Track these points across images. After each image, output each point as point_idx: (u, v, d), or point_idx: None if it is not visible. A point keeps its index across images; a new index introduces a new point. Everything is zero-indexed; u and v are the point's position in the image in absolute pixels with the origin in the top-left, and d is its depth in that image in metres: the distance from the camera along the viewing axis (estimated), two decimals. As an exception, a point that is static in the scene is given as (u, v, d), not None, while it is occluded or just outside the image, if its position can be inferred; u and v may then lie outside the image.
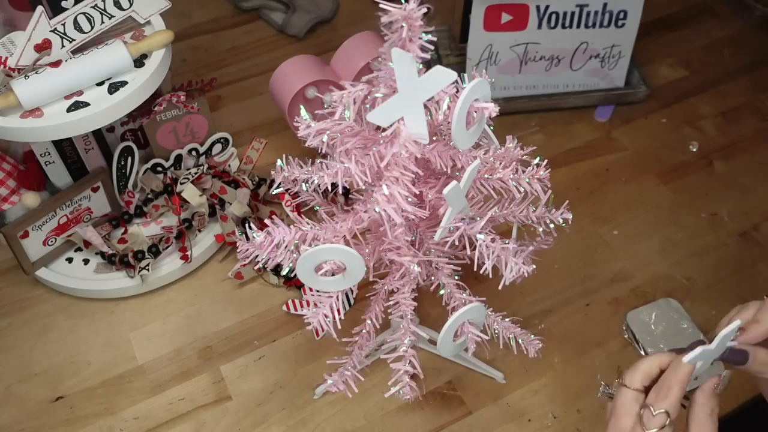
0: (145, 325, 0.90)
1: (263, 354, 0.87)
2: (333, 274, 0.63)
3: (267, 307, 0.91)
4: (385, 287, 0.72)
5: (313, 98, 0.97)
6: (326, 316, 0.65)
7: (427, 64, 0.56)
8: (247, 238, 0.66)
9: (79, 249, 0.94)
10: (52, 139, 0.83)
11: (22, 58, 0.82)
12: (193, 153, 1.01)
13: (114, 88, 0.83)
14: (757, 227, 0.98)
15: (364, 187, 0.62)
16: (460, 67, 1.04)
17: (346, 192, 0.94)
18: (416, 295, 0.70)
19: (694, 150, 1.08)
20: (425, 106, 0.57)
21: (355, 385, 0.73)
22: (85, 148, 0.92)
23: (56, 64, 0.81)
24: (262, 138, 1.08)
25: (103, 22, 0.85)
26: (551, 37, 1.04)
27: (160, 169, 0.99)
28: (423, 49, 0.55)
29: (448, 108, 0.57)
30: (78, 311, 0.91)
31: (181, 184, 0.96)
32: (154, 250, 0.91)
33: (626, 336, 0.87)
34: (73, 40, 0.84)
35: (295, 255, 0.64)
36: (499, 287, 0.63)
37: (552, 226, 0.70)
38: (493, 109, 0.57)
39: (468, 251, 0.63)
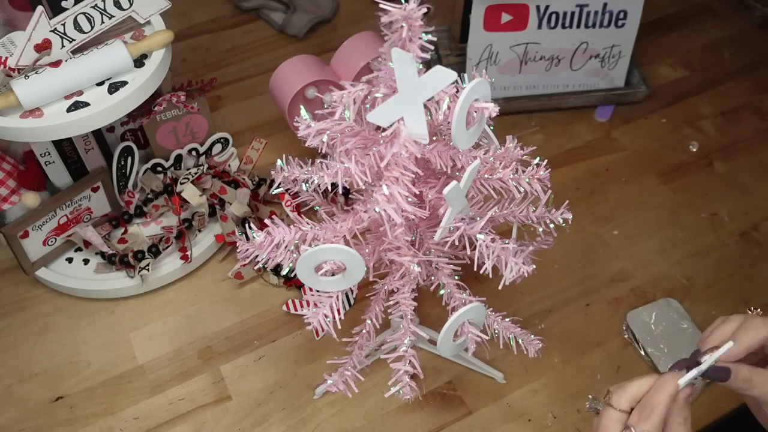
0: (145, 325, 0.90)
1: (263, 354, 0.87)
2: (333, 274, 0.63)
3: (267, 307, 0.91)
4: (385, 287, 0.72)
5: (313, 98, 0.97)
6: (326, 316, 0.65)
7: (427, 64, 0.56)
8: (247, 238, 0.66)
9: (79, 249, 0.94)
10: (52, 139, 0.83)
11: (22, 58, 0.82)
12: (193, 153, 1.01)
13: (114, 88, 0.83)
14: (757, 227, 0.98)
15: (364, 187, 0.62)
16: (460, 67, 1.04)
17: (346, 192, 0.94)
18: (416, 295, 0.70)
19: (694, 150, 1.08)
20: (425, 106, 0.57)
21: (355, 385, 0.73)
22: (85, 148, 0.92)
23: (56, 64, 0.81)
24: (262, 138, 1.08)
25: (103, 22, 0.85)
26: (551, 37, 1.04)
27: (160, 169, 0.99)
28: (423, 49, 0.55)
29: (448, 108, 0.57)
30: (78, 311, 0.91)
31: (181, 184, 0.96)
32: (154, 250, 0.91)
33: (626, 336, 0.87)
34: (73, 40, 0.84)
35: (295, 255, 0.64)
36: (499, 287, 0.63)
37: (552, 226, 0.70)
38: (493, 109, 0.57)
39: (468, 251, 0.63)
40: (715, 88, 1.16)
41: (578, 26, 1.03)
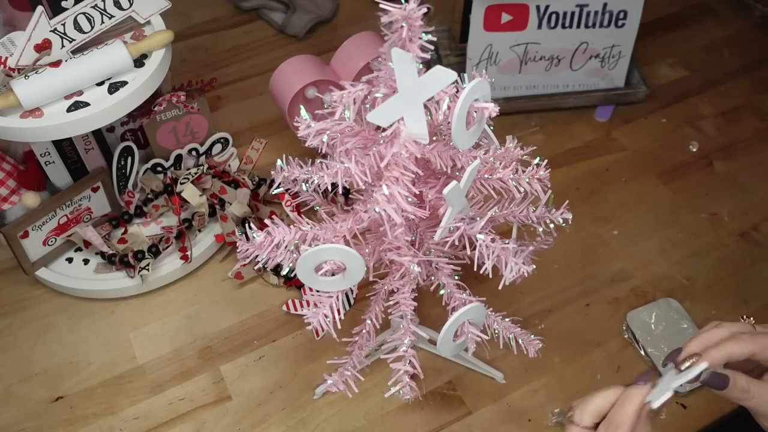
0: (145, 325, 0.90)
1: (263, 354, 0.87)
2: (333, 274, 0.63)
3: (267, 307, 0.91)
4: (385, 287, 0.72)
5: (313, 98, 0.97)
6: (326, 316, 0.65)
7: (427, 64, 0.56)
8: (247, 238, 0.66)
9: (79, 249, 0.94)
10: (52, 139, 0.83)
11: (22, 58, 0.82)
12: (193, 153, 1.01)
13: (114, 88, 0.83)
14: (757, 227, 0.98)
15: (364, 187, 0.62)
16: (460, 67, 1.04)
17: (346, 192, 0.94)
18: (416, 295, 0.70)
19: (694, 150, 1.08)
20: (425, 106, 0.57)
21: (355, 385, 0.73)
22: (85, 148, 0.92)
23: (56, 64, 0.81)
24: (262, 138, 1.08)
25: (103, 22, 0.85)
26: (551, 37, 1.04)
27: (160, 169, 0.99)
28: (423, 49, 0.55)
29: (448, 108, 0.57)
30: (78, 311, 0.91)
31: (181, 184, 0.96)
32: (154, 250, 0.91)
33: (626, 336, 0.87)
34: (73, 40, 0.84)
35: (295, 255, 0.64)
36: (499, 287, 0.63)
37: (552, 226, 0.70)
38: (493, 109, 0.57)
39: (468, 251, 0.63)
40: (715, 88, 1.16)
41: (578, 26, 1.03)
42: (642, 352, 0.85)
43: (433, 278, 0.71)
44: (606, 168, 1.06)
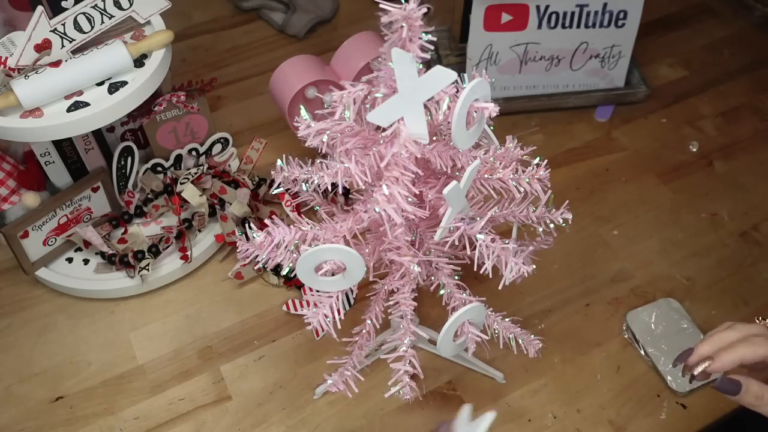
0: (145, 325, 0.90)
1: (263, 354, 0.87)
2: (333, 274, 0.63)
3: (267, 307, 0.91)
4: (385, 287, 0.72)
5: (313, 98, 0.97)
6: (326, 316, 0.64)
7: (427, 64, 0.56)
8: (247, 238, 0.66)
9: (79, 249, 0.94)
10: (52, 139, 0.83)
11: (22, 58, 0.82)
12: (193, 153, 1.01)
13: (114, 88, 0.83)
14: (757, 227, 0.98)
15: (364, 187, 0.62)
16: (460, 67, 1.04)
17: (346, 192, 0.94)
18: (416, 295, 0.70)
19: (694, 150, 1.08)
20: (425, 106, 0.57)
21: (355, 385, 0.73)
22: (85, 148, 0.92)
23: (56, 64, 0.81)
24: (262, 138, 1.08)
25: (103, 22, 0.85)
26: (551, 37, 1.04)
27: (160, 169, 0.99)
28: (423, 49, 0.55)
29: (448, 108, 0.57)
30: (78, 311, 0.91)
31: (181, 184, 0.96)
32: (154, 250, 0.91)
33: (626, 336, 0.87)
34: (73, 40, 0.84)
35: (295, 255, 0.64)
36: (499, 287, 0.63)
37: (552, 226, 0.70)
38: (493, 109, 0.57)
39: (468, 251, 0.63)
40: (715, 88, 1.16)
41: (578, 26, 1.03)
42: (642, 352, 0.85)
43: (433, 278, 0.71)
44: (606, 168, 1.06)
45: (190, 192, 0.95)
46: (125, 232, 0.96)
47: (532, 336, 0.76)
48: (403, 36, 0.54)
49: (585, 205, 1.01)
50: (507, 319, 0.74)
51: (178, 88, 0.97)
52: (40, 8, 0.81)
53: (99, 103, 0.81)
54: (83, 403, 0.83)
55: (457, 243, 0.63)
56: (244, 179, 0.99)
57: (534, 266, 0.64)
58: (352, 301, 0.90)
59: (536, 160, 0.66)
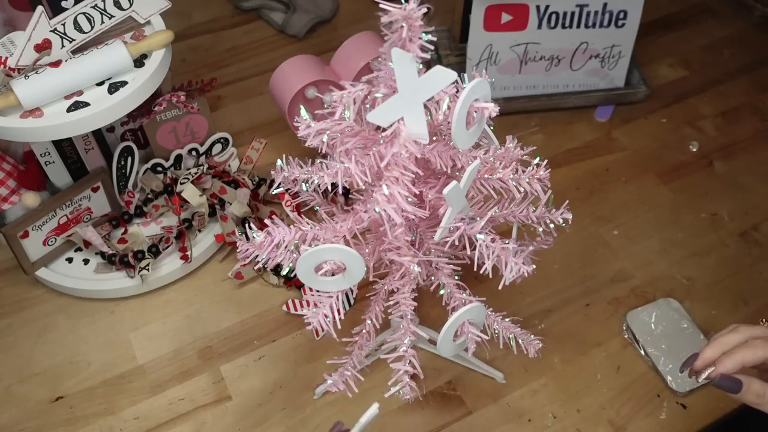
0: (145, 325, 0.90)
1: (263, 354, 0.87)
2: (333, 274, 0.63)
3: (267, 307, 0.91)
4: (385, 287, 0.72)
5: (313, 98, 0.97)
6: (326, 316, 0.64)
7: (427, 64, 0.56)
8: (247, 238, 0.66)
9: (79, 249, 0.94)
10: (52, 139, 0.83)
11: (22, 58, 0.82)
12: (193, 153, 1.01)
13: (114, 88, 0.83)
14: (757, 227, 0.98)
15: (364, 187, 0.62)
16: (460, 67, 1.04)
17: (346, 192, 0.94)
18: (416, 295, 0.70)
19: (694, 150, 1.08)
20: (425, 106, 0.57)
21: (355, 385, 0.73)
22: (85, 148, 0.92)
23: (56, 64, 0.81)
24: (262, 138, 1.08)
25: (103, 22, 0.85)
26: (551, 37, 1.04)
27: (160, 169, 0.99)
28: (423, 49, 0.55)
29: (448, 108, 0.57)
30: (78, 311, 0.91)
31: (181, 184, 0.96)
32: (154, 250, 0.91)
33: (626, 336, 0.87)
34: (73, 40, 0.84)
35: (295, 255, 0.64)
36: (499, 287, 0.63)
37: (552, 226, 0.70)
38: (493, 109, 0.57)
39: (468, 251, 0.63)
40: (715, 88, 1.16)
41: (578, 26, 1.03)
42: (642, 352, 0.85)
43: (433, 278, 0.71)
44: (606, 168, 1.06)
45: (190, 192, 0.95)
46: (125, 232, 0.96)
47: (532, 336, 0.75)
48: (403, 36, 0.54)
49: (585, 205, 1.01)
50: (507, 319, 0.74)
51: (178, 88, 0.97)
52: (40, 8, 0.81)
53: (99, 103, 0.81)
54: (83, 403, 0.83)
55: (457, 243, 0.63)
56: (244, 179, 0.99)
57: (534, 266, 0.64)
58: (352, 301, 0.90)
59: (536, 160, 0.66)
